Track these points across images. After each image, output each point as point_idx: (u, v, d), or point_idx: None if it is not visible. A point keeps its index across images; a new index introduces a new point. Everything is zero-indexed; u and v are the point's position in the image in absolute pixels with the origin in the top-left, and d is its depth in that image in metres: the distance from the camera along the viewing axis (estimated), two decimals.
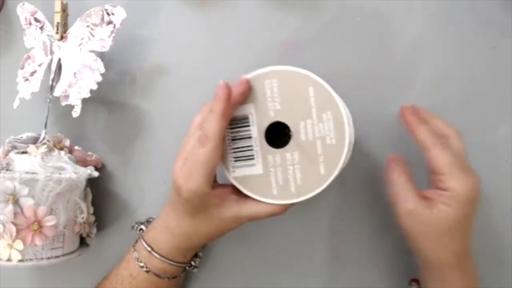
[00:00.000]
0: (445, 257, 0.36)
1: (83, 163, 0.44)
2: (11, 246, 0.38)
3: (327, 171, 0.35)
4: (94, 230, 0.45)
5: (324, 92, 0.34)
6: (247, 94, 0.35)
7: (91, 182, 0.45)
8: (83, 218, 0.42)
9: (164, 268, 0.39)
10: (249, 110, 0.35)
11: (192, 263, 0.42)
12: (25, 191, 0.38)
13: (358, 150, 0.43)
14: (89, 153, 0.46)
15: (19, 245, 0.38)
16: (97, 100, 0.47)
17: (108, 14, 0.43)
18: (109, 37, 0.43)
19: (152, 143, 0.47)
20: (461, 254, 0.36)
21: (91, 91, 0.42)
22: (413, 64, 0.44)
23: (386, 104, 0.43)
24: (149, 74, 0.47)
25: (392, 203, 0.37)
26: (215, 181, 0.38)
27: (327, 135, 0.34)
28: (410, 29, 0.44)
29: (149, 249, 0.39)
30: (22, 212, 0.38)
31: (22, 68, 0.46)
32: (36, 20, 0.45)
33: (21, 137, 0.43)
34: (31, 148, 0.41)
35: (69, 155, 0.43)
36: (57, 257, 0.41)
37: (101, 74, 0.42)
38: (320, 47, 0.45)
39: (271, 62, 0.45)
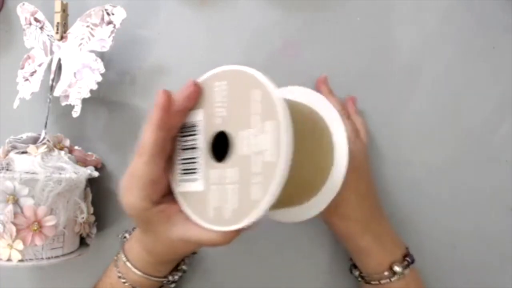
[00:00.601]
0: (348, 226, 0.38)
1: (83, 163, 0.44)
2: (11, 246, 0.38)
3: (260, 196, 0.27)
4: (94, 230, 0.45)
5: (268, 98, 0.28)
6: (196, 98, 0.31)
7: (91, 182, 0.45)
8: (83, 218, 0.42)
9: (140, 281, 0.37)
10: (199, 117, 0.30)
11: (170, 278, 0.39)
12: (25, 191, 0.38)
13: None
14: (89, 153, 0.46)
15: (19, 245, 0.38)
16: (97, 100, 0.47)
17: (108, 14, 0.43)
18: (109, 37, 0.43)
19: None
20: (364, 221, 0.38)
21: (91, 91, 0.42)
22: (413, 64, 0.44)
23: (385, 104, 0.43)
24: (149, 74, 0.47)
25: None
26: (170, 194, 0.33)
27: (266, 150, 0.27)
28: (410, 29, 0.44)
29: (125, 259, 0.37)
30: (22, 212, 0.38)
31: (22, 68, 0.46)
32: (36, 20, 0.45)
33: (21, 137, 0.43)
34: (31, 148, 0.41)
35: (69, 155, 0.43)
36: (57, 257, 0.41)
37: (101, 74, 0.42)
38: (320, 47, 0.45)
39: (271, 62, 0.45)
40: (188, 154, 0.31)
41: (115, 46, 0.43)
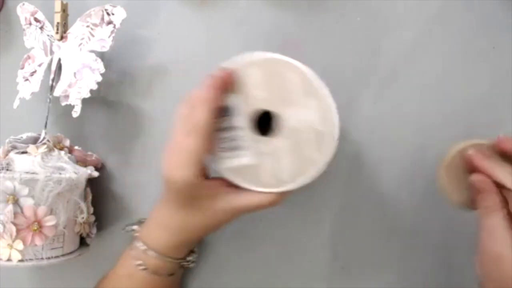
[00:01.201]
0: None
1: (83, 163, 0.44)
2: (11, 246, 0.38)
3: (318, 158, 0.34)
4: (94, 230, 0.45)
5: (307, 79, 0.34)
6: (231, 83, 0.34)
7: (91, 182, 0.45)
8: (83, 218, 0.42)
9: (161, 265, 0.39)
10: (235, 99, 0.35)
11: (188, 258, 0.42)
12: (25, 191, 0.38)
13: (358, 150, 0.43)
14: (89, 153, 0.46)
15: (19, 245, 0.38)
16: (97, 100, 0.47)
17: (108, 14, 0.43)
18: (109, 37, 0.43)
19: (152, 143, 0.47)
20: None
21: (91, 91, 0.42)
22: (413, 64, 0.44)
23: (386, 104, 0.43)
24: (149, 74, 0.47)
25: (480, 236, 0.33)
26: (206, 174, 0.37)
27: (314, 121, 0.34)
28: (410, 29, 0.44)
29: (144, 247, 0.39)
30: (22, 212, 0.38)
31: (22, 68, 0.46)
32: (36, 20, 0.45)
33: (21, 137, 0.43)
34: (31, 148, 0.41)
35: (69, 155, 0.43)
36: (57, 257, 0.41)
37: (101, 74, 0.42)
38: (320, 47, 0.45)
39: None
40: (229, 134, 0.35)
41: (115, 46, 0.43)
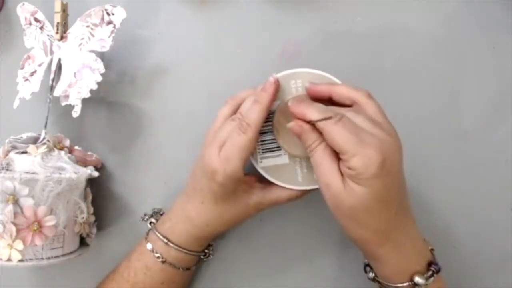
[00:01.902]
0: (364, 235, 0.33)
1: (83, 163, 0.44)
2: (11, 246, 0.38)
3: None
4: (94, 230, 0.45)
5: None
6: (277, 91, 0.37)
7: (91, 182, 0.45)
8: (83, 218, 0.42)
9: (180, 258, 0.40)
10: (277, 105, 0.38)
11: (206, 251, 0.43)
12: (25, 191, 0.38)
13: None
14: (89, 153, 0.46)
15: (19, 245, 0.38)
16: (97, 100, 0.47)
17: (108, 14, 0.43)
18: (109, 37, 0.43)
19: (152, 143, 0.47)
20: (384, 230, 0.33)
21: (91, 91, 0.42)
22: (413, 64, 0.44)
23: (385, 104, 0.43)
24: (149, 74, 0.47)
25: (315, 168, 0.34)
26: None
27: None
28: (410, 29, 0.44)
29: (165, 240, 0.40)
30: (22, 212, 0.38)
31: (22, 68, 0.46)
32: (36, 20, 0.45)
33: (21, 137, 0.43)
34: (31, 148, 0.41)
35: (69, 155, 0.43)
36: (57, 257, 0.41)
37: (101, 74, 0.42)
38: (320, 47, 0.45)
39: (271, 62, 0.45)
40: (269, 136, 0.38)
41: (115, 46, 0.43)
